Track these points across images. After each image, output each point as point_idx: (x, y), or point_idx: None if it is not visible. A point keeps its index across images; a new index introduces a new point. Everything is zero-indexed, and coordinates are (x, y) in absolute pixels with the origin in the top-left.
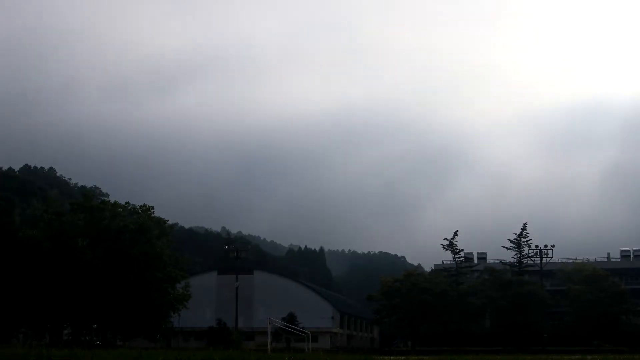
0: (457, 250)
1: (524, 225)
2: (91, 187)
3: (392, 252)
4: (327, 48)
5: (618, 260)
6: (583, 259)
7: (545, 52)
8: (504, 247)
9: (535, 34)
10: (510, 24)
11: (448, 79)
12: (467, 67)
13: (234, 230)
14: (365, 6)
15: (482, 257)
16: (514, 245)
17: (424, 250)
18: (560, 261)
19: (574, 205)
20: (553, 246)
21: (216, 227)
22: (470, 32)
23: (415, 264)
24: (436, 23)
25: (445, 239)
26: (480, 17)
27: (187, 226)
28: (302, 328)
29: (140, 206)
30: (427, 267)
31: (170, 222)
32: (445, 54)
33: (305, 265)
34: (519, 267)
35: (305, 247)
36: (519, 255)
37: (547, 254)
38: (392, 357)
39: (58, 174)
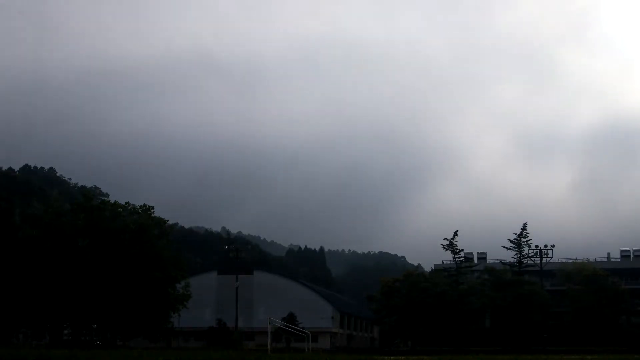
0: (457, 250)
1: (524, 225)
2: (91, 187)
3: (392, 252)
4: (325, 56)
5: (618, 260)
6: (583, 259)
7: (526, 71)
8: (504, 247)
9: (519, 51)
10: (495, 42)
11: (439, 95)
12: (457, 82)
13: (234, 230)
14: (359, 16)
15: (482, 257)
16: (514, 245)
17: (424, 250)
18: (560, 261)
19: (548, 210)
20: (553, 246)
21: (216, 227)
22: (461, 49)
23: (415, 264)
24: (429, 37)
25: (445, 239)
26: (469, 33)
27: (187, 226)
28: (302, 328)
29: (140, 206)
30: (427, 267)
31: (170, 222)
32: (437, 69)
33: (305, 265)
34: (519, 267)
35: (305, 247)
36: (519, 255)
37: (547, 254)
38: (392, 357)
39: (58, 174)
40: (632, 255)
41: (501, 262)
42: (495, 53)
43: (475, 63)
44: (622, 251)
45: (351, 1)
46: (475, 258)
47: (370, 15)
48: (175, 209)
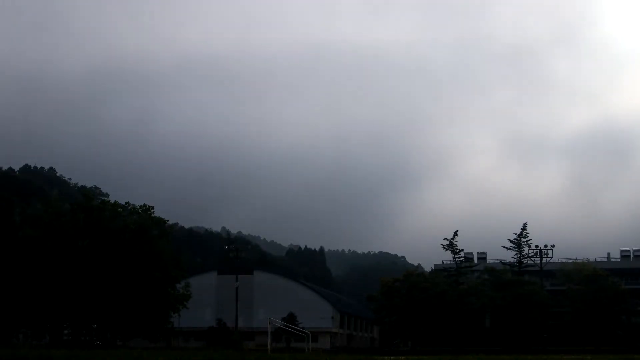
0: (457, 250)
1: (524, 225)
2: (91, 187)
3: (392, 252)
4: (324, 59)
5: (618, 260)
6: (583, 259)
7: (518, 83)
8: (504, 247)
9: (510, 55)
10: (487, 46)
11: (435, 103)
12: (453, 85)
13: (234, 230)
14: (356, 20)
15: (482, 257)
16: (514, 245)
17: (424, 250)
18: (560, 261)
19: (548, 210)
20: (553, 246)
21: (216, 227)
22: (455, 52)
23: (415, 264)
24: (424, 40)
25: (445, 239)
26: (463, 37)
27: (187, 226)
28: (302, 328)
29: (140, 206)
30: (427, 267)
31: (170, 222)
32: (433, 79)
33: (305, 265)
34: (519, 267)
35: (305, 247)
36: (519, 255)
37: (547, 254)
38: (392, 357)
39: (58, 174)
40: (632, 255)
41: (501, 262)
42: (488, 57)
43: (469, 66)
44: (622, 251)
45: (347, 6)
46: (475, 258)
47: (366, 19)
48: (175, 209)
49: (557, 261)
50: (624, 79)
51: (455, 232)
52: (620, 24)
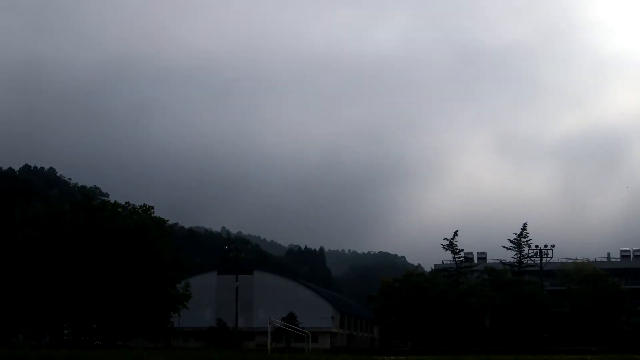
0: (457, 250)
1: (524, 225)
2: (91, 187)
3: (392, 252)
4: (321, 61)
5: (618, 260)
6: (583, 259)
7: (513, 87)
8: (504, 247)
9: (502, 58)
10: (480, 49)
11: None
12: (451, 87)
13: (234, 230)
14: (349, 29)
15: (482, 257)
16: (514, 245)
17: (424, 250)
18: (560, 261)
19: (548, 210)
20: (553, 246)
21: (216, 227)
22: (450, 55)
23: (415, 264)
24: (419, 43)
25: (445, 239)
26: (457, 40)
27: (187, 226)
28: (302, 328)
29: (140, 206)
30: (427, 267)
31: (170, 222)
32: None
33: (305, 265)
34: (519, 267)
35: (305, 247)
36: (519, 255)
37: (547, 254)
38: (392, 357)
39: (58, 174)
40: (632, 255)
41: (501, 262)
42: (481, 60)
43: (465, 69)
44: (622, 251)
45: (343, 12)
46: (475, 258)
47: (362, 25)
48: (175, 209)
49: (557, 261)
50: (614, 82)
51: (455, 232)
52: (610, 28)
